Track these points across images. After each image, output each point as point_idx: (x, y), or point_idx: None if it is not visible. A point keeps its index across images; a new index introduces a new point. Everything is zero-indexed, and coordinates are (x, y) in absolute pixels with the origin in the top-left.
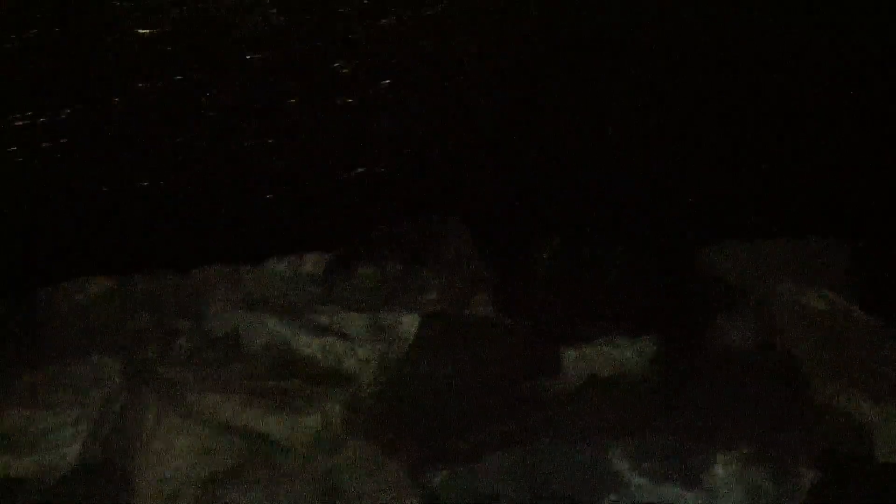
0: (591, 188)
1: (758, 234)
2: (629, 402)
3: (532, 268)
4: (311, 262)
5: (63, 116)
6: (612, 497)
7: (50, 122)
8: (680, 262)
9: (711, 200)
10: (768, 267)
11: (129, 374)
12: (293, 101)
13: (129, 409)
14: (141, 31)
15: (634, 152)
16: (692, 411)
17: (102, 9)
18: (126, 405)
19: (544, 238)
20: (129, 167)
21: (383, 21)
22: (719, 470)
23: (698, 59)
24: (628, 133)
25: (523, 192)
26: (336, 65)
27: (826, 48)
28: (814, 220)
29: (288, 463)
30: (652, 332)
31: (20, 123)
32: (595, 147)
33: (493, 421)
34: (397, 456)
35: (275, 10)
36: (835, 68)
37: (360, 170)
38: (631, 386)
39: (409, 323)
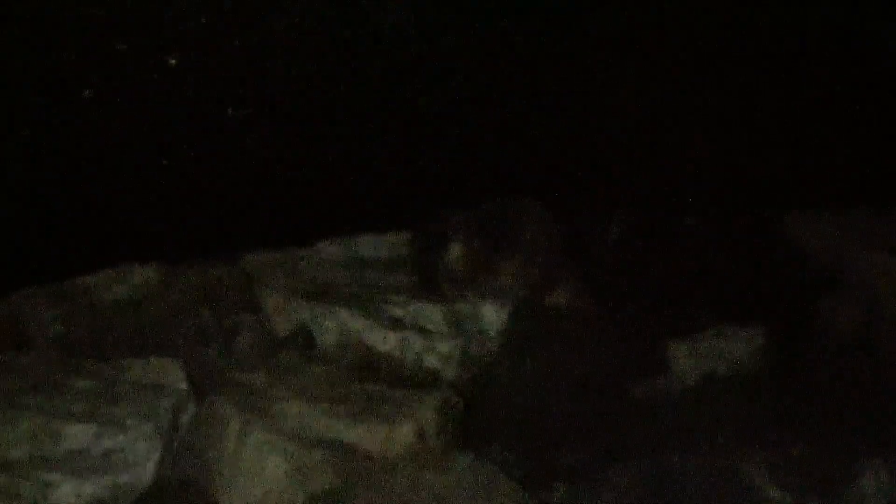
0: (655, 158)
1: (834, 202)
2: (750, 402)
3: (607, 247)
4: (367, 245)
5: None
6: None
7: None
8: (762, 233)
9: (784, 166)
10: (856, 238)
11: (194, 380)
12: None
13: (203, 421)
14: None
15: (700, 116)
16: (820, 411)
17: None
18: (199, 415)
19: (613, 213)
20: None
21: None
22: (866, 482)
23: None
24: (693, 97)
25: (593, 165)
26: None
27: None
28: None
29: (391, 481)
30: (755, 317)
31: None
32: (662, 113)
33: (604, 428)
34: (506, 470)
35: None
36: None
37: (418, 143)
38: (748, 384)
39: (491, 314)
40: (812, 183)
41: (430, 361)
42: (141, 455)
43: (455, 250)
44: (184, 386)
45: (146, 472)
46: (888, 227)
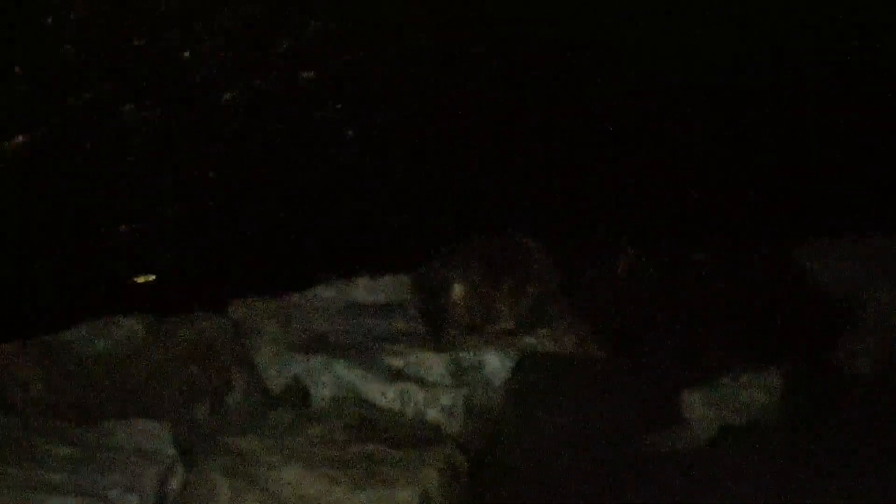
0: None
1: (844, 231)
2: (771, 456)
3: (612, 285)
4: (363, 290)
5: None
6: None
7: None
8: (774, 267)
9: (796, 193)
10: (871, 270)
11: (182, 444)
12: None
13: (192, 489)
14: None
15: (707, 142)
16: (844, 459)
17: None
18: (188, 483)
19: (617, 250)
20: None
21: None
22: None
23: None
24: (699, 122)
25: (592, 200)
26: None
27: None
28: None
29: None
30: (771, 359)
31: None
32: (665, 142)
33: (617, 483)
34: None
35: None
36: None
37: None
38: (768, 432)
39: (495, 362)
40: (825, 210)
41: (432, 415)
42: None
43: (457, 290)
44: (171, 451)
45: None
46: None
